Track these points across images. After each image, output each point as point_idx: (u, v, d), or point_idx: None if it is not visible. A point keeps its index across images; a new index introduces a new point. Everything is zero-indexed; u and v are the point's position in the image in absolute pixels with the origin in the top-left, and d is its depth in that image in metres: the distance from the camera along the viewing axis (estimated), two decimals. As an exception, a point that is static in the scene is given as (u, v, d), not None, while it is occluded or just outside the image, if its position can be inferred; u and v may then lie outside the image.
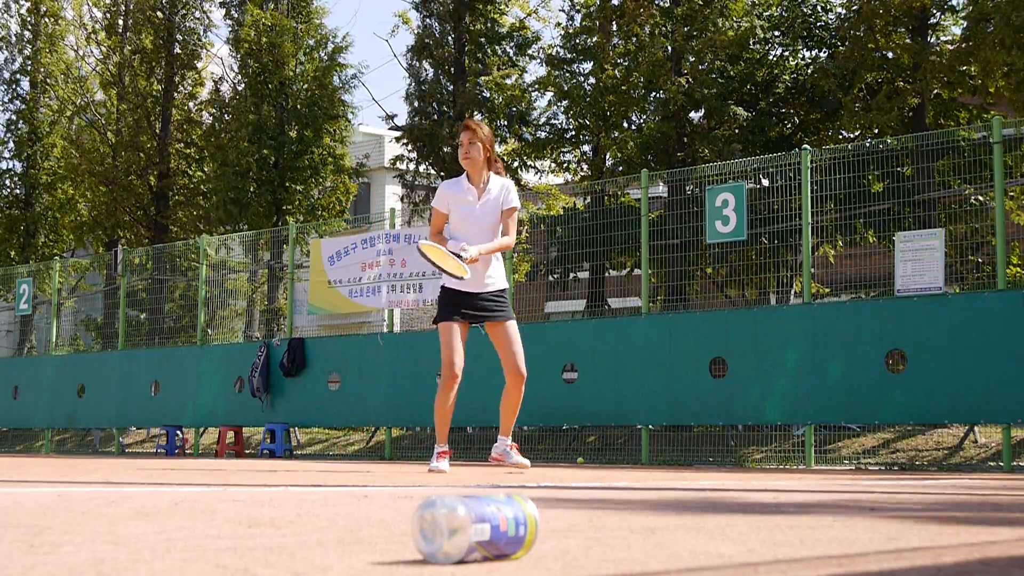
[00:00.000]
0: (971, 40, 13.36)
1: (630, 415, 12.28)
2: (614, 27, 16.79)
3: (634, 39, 16.32)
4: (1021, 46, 12.50)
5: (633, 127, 16.84)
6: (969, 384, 10.03)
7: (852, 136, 15.23)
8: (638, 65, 16.09)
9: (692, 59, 15.75)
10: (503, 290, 7.45)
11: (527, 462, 7.68)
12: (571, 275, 15.86)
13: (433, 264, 6.87)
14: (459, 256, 6.98)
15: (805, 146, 11.92)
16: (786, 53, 16.52)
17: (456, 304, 7.39)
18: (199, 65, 23.48)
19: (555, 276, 15.86)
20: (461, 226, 7.32)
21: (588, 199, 16.19)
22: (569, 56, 17.50)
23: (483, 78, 18.21)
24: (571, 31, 17.38)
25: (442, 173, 18.54)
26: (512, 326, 7.41)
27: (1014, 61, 12.60)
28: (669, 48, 15.84)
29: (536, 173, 19.44)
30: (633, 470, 9.67)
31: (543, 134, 18.52)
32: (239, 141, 19.85)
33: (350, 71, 21.98)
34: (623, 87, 16.21)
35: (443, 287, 7.46)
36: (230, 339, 18.43)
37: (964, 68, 13.80)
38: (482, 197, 7.32)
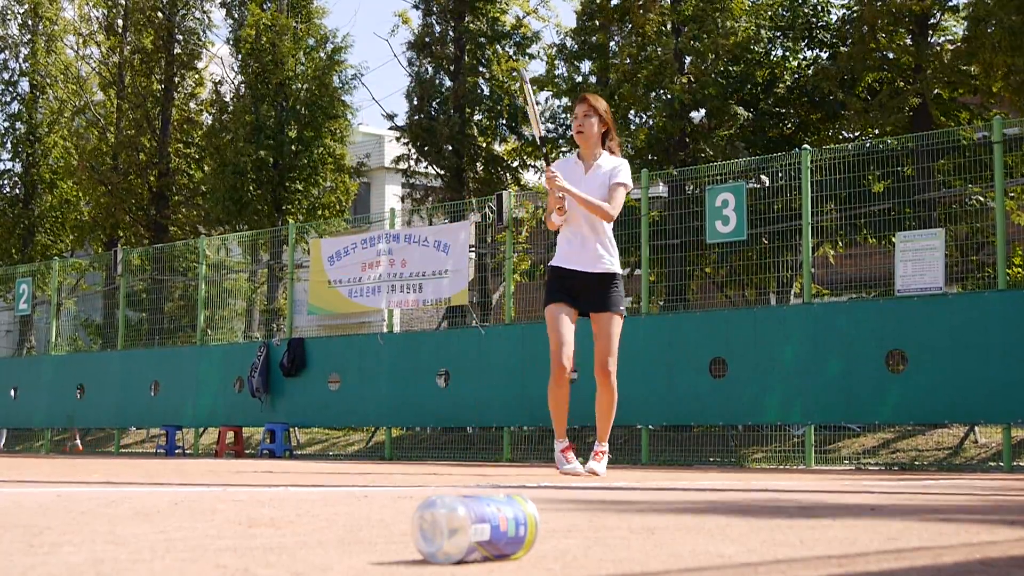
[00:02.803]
0: (971, 41, 13.35)
1: (630, 415, 12.27)
2: (615, 27, 16.79)
3: (636, 38, 16.31)
4: (1020, 48, 12.50)
5: (635, 126, 16.83)
6: (969, 384, 10.03)
7: (852, 136, 15.22)
8: (642, 65, 16.08)
9: (693, 59, 15.75)
10: (616, 276, 6.75)
11: (600, 470, 6.95)
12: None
13: (525, 98, 6.21)
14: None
15: (805, 146, 11.91)
16: (787, 54, 16.52)
17: (563, 284, 6.70)
18: (199, 65, 23.47)
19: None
20: (568, 203, 6.64)
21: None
22: (576, 51, 17.46)
23: (483, 78, 18.21)
24: (580, 27, 17.35)
25: (442, 172, 18.54)
26: (615, 321, 6.74)
27: (1015, 62, 12.60)
28: (673, 48, 15.83)
29: (536, 173, 19.43)
30: (633, 470, 9.67)
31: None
32: (239, 140, 19.85)
33: (350, 71, 21.98)
34: (627, 84, 16.20)
35: (550, 266, 6.78)
36: (230, 339, 18.43)
37: (965, 68, 13.80)
38: (589, 172, 6.66)
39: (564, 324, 6.67)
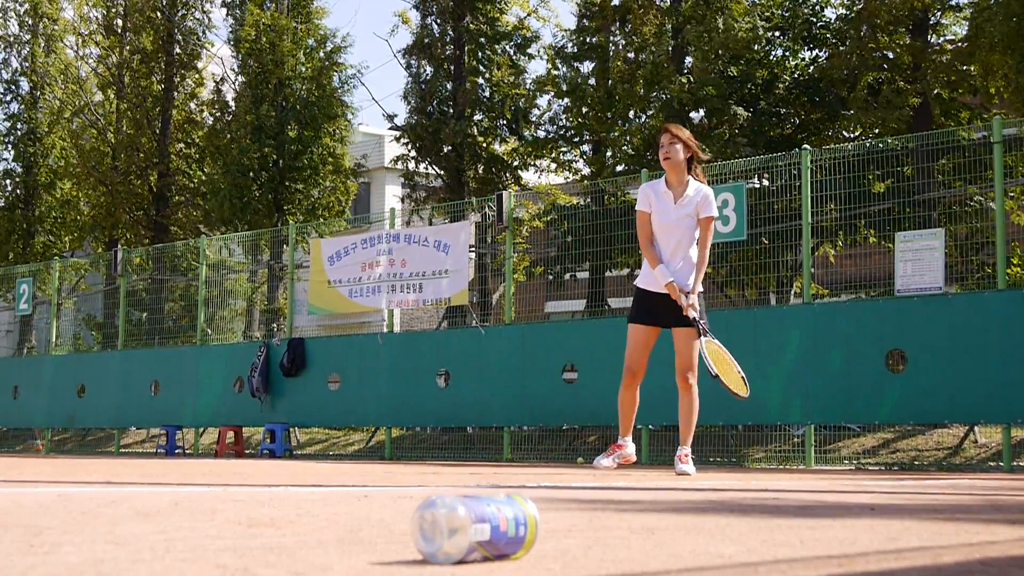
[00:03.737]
0: (970, 41, 13.35)
1: (630, 415, 12.26)
2: (616, 27, 16.79)
3: (635, 38, 16.31)
4: (1018, 49, 12.49)
5: (634, 125, 16.82)
6: (969, 384, 10.02)
7: (853, 136, 15.22)
8: (641, 64, 16.08)
9: (693, 59, 15.75)
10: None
11: (689, 471, 7.42)
12: (571, 275, 15.85)
13: (713, 371, 6.92)
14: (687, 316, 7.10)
15: (805, 146, 11.91)
16: (787, 53, 16.51)
17: (647, 306, 7.30)
18: (199, 65, 23.47)
19: (554, 275, 15.86)
20: (658, 231, 7.22)
21: (588, 199, 16.19)
22: (575, 52, 17.47)
23: (483, 78, 18.21)
24: (579, 28, 17.35)
25: (442, 173, 18.54)
26: (693, 334, 7.21)
27: (1013, 63, 12.60)
28: (670, 48, 15.83)
29: (536, 172, 19.44)
30: (633, 470, 9.66)
31: (543, 133, 18.51)
32: (241, 140, 19.85)
33: (349, 71, 21.98)
34: (626, 85, 16.20)
35: (637, 286, 7.37)
36: (230, 339, 18.43)
37: (965, 68, 13.79)
38: (679, 201, 7.16)
39: (639, 341, 7.35)
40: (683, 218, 7.12)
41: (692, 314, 7.05)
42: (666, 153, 7.13)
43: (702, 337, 7.07)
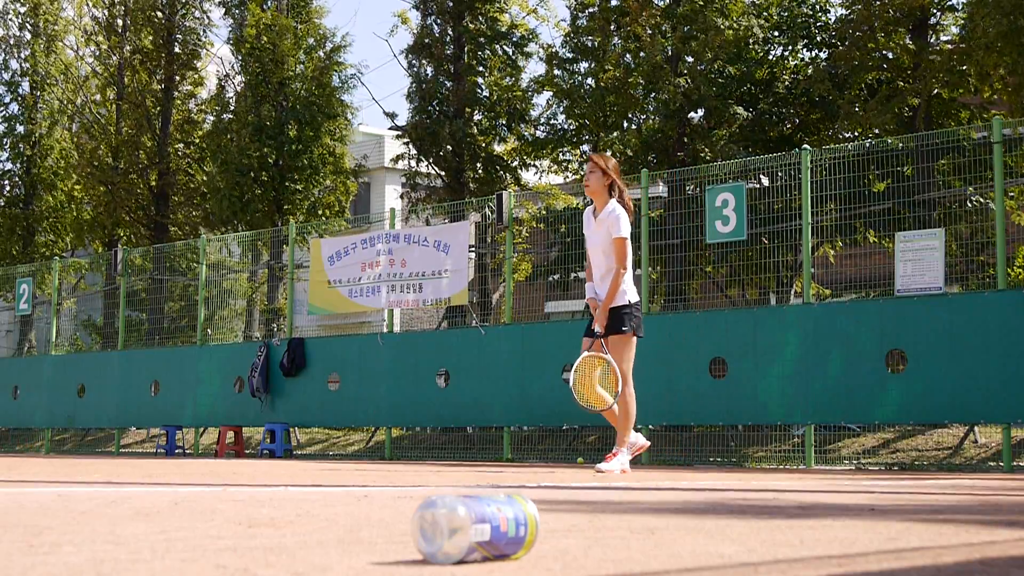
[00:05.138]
0: (967, 42, 13.34)
1: (630, 415, 12.26)
2: (613, 27, 16.78)
3: (633, 40, 16.31)
4: (1014, 49, 12.48)
5: (633, 126, 16.83)
6: (969, 384, 10.02)
7: (852, 136, 15.22)
8: (638, 65, 16.08)
9: (691, 60, 15.74)
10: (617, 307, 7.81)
11: (606, 467, 7.81)
12: (571, 275, 15.85)
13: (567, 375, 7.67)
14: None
15: (805, 146, 11.91)
16: (786, 53, 16.51)
17: (589, 320, 8.01)
18: (199, 65, 23.47)
19: (557, 274, 15.86)
20: (588, 251, 7.95)
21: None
22: (570, 55, 17.48)
23: (483, 78, 18.21)
24: (574, 29, 17.35)
25: (442, 172, 18.54)
26: (621, 342, 7.81)
27: (1008, 63, 12.59)
28: (669, 49, 15.83)
29: (536, 172, 19.44)
30: (633, 470, 9.66)
31: (542, 133, 18.51)
32: (241, 140, 19.86)
33: (349, 71, 21.98)
34: (623, 88, 16.20)
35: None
36: (230, 339, 18.43)
37: (964, 68, 13.79)
38: (598, 222, 7.80)
39: None
40: (603, 239, 7.73)
41: (597, 328, 7.66)
42: (585, 182, 7.84)
43: (584, 353, 7.66)
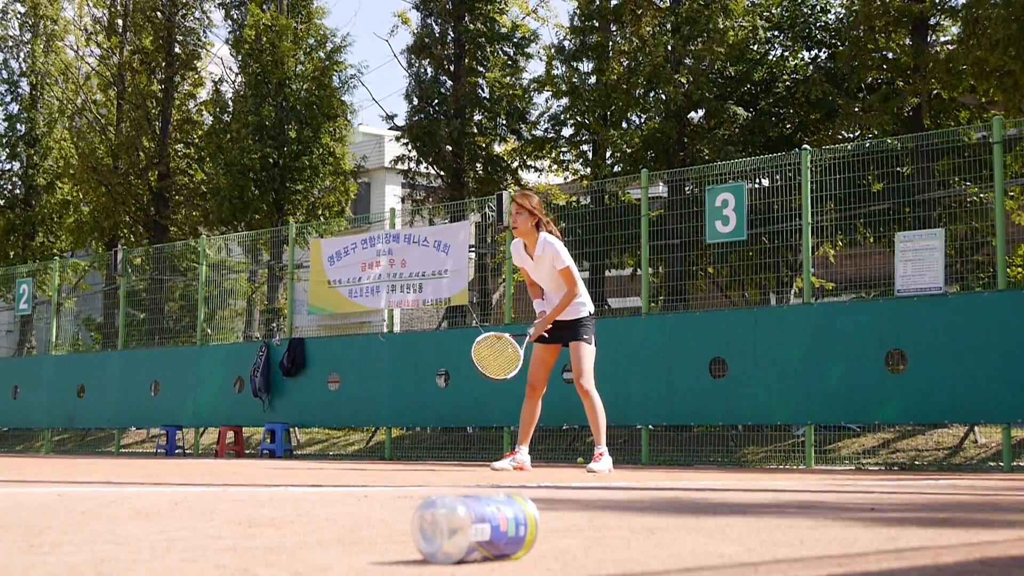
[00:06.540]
0: (965, 42, 13.33)
1: (630, 415, 12.28)
2: (614, 28, 16.78)
3: (634, 40, 16.31)
4: (1012, 50, 12.48)
5: (634, 126, 16.82)
6: (969, 384, 10.02)
7: (852, 136, 15.22)
8: (639, 65, 16.08)
9: (691, 60, 15.74)
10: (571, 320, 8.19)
11: (597, 468, 7.98)
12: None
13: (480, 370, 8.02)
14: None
15: (805, 146, 11.91)
16: (786, 53, 16.51)
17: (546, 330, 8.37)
18: (199, 65, 23.46)
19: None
20: (538, 281, 8.23)
21: (588, 198, 16.19)
22: (574, 50, 17.43)
23: (484, 77, 18.21)
24: (577, 26, 17.32)
25: (442, 172, 18.54)
26: (578, 346, 8.10)
27: (1005, 63, 12.58)
28: (669, 47, 15.83)
29: (536, 172, 19.43)
30: (633, 470, 9.67)
31: (541, 132, 18.50)
32: (243, 140, 19.86)
33: (349, 71, 21.97)
34: (624, 86, 16.19)
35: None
36: (230, 339, 18.43)
37: (963, 68, 13.79)
38: (536, 260, 8.11)
39: (539, 362, 8.29)
40: (548, 271, 8.07)
41: (531, 330, 8.08)
42: (512, 224, 8.13)
43: (484, 334, 8.24)
